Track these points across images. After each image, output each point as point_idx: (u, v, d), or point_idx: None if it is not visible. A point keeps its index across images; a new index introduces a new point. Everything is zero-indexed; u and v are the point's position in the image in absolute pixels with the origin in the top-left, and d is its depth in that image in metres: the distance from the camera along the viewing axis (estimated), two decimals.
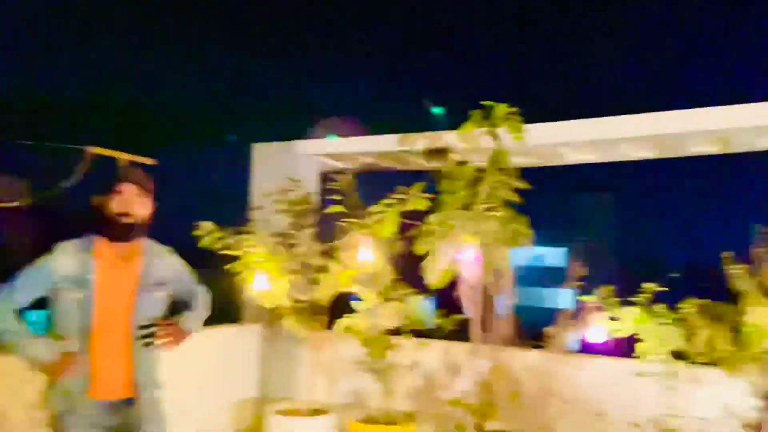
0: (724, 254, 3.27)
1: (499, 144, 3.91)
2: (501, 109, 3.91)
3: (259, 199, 4.86)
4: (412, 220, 4.13)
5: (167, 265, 2.46)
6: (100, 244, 2.30)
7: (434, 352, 4.59)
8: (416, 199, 4.08)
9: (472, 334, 4.01)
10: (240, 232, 4.31)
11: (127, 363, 2.29)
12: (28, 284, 2.24)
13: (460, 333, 4.46)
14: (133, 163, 2.41)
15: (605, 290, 3.72)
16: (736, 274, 3.23)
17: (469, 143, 4.12)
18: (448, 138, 4.47)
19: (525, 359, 4.25)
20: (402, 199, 4.09)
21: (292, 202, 4.58)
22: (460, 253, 3.82)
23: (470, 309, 3.99)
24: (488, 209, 3.81)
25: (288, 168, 5.02)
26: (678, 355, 3.42)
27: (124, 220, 2.24)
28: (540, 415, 4.13)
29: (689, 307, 3.45)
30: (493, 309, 4.01)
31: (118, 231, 2.26)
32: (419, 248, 3.95)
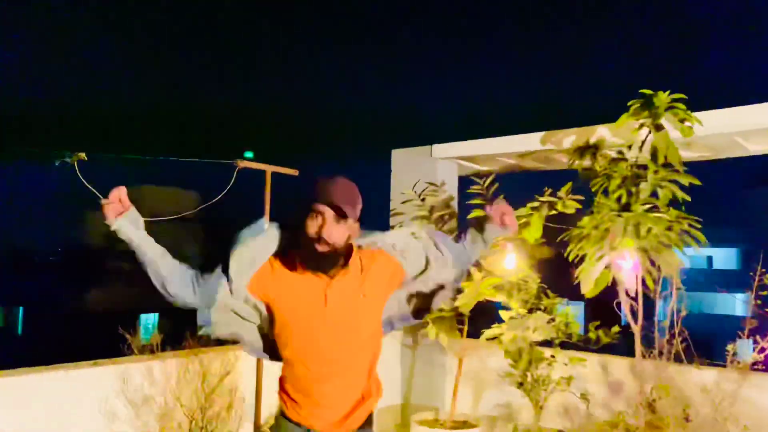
0: None
1: (663, 136, 3.48)
2: (663, 97, 3.49)
3: (399, 205, 4.82)
4: (560, 224, 3.82)
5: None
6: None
7: (589, 367, 4.20)
8: (565, 201, 3.76)
9: (636, 347, 3.61)
10: None
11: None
12: None
13: (616, 347, 4.07)
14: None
15: None
16: None
17: (624, 137, 3.74)
18: (600, 133, 4.10)
19: (697, 377, 3.73)
20: (549, 202, 3.80)
21: (431, 207, 4.47)
22: (618, 259, 3.45)
23: (631, 320, 3.60)
24: (650, 209, 3.41)
25: (427, 173, 4.93)
26: None
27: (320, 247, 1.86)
28: None
29: None
30: (656, 320, 3.57)
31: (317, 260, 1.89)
32: (571, 254, 3.64)
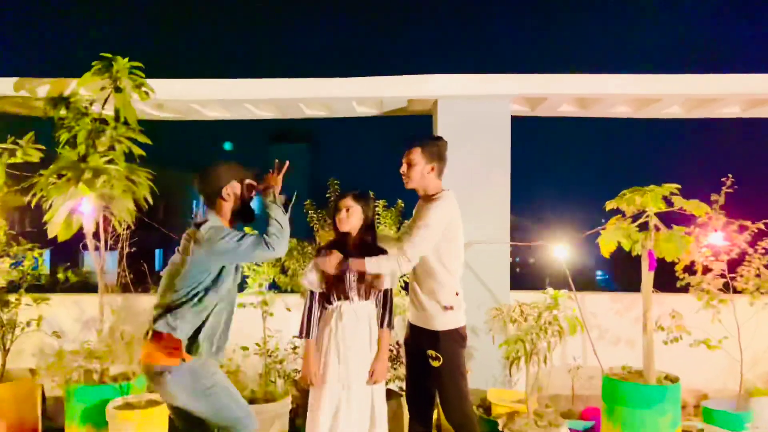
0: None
1: (122, 97, 3.97)
2: (122, 62, 3.96)
3: None
4: (26, 172, 3.93)
5: None
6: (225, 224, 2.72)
7: (59, 307, 4.51)
8: (26, 149, 3.88)
9: (99, 282, 4.08)
10: None
11: None
12: None
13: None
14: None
15: None
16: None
17: (92, 93, 4.08)
18: (74, 86, 4.31)
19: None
20: (9, 149, 3.85)
21: None
22: (79, 206, 3.81)
23: (95, 259, 4.04)
24: (108, 162, 3.87)
25: None
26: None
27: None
28: None
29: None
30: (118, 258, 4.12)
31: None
32: (33, 200, 3.82)
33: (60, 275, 4.14)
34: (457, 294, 2.97)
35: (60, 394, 4.13)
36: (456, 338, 2.98)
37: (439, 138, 3.07)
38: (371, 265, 2.84)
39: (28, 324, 4.09)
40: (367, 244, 2.95)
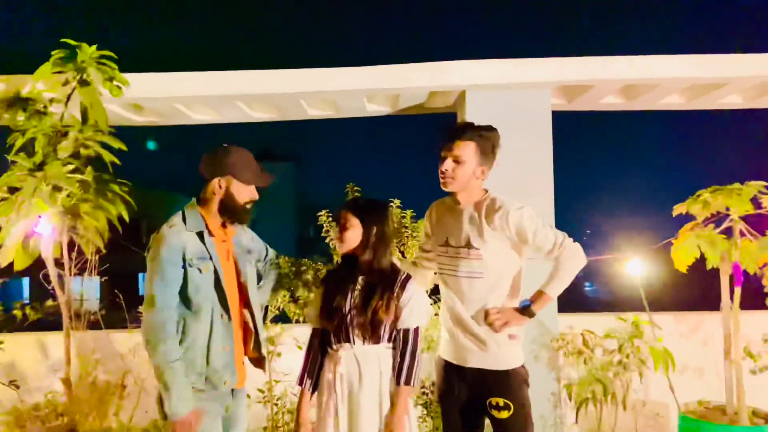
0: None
1: (89, 92, 3.26)
2: (88, 50, 3.26)
3: None
4: None
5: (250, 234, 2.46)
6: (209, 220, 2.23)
7: (27, 347, 3.76)
8: None
9: (63, 319, 3.34)
10: None
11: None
12: (170, 279, 2.09)
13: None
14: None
15: None
16: None
17: (52, 90, 3.37)
18: (32, 84, 3.60)
19: (131, 340, 3.73)
20: None
21: None
22: (35, 225, 3.09)
23: (58, 291, 3.31)
24: (72, 171, 3.15)
25: None
26: None
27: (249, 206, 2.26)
28: None
29: None
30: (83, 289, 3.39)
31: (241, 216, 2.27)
32: None
33: (16, 312, 3.40)
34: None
35: None
36: (525, 378, 2.31)
37: (493, 129, 2.35)
38: (556, 287, 2.31)
39: None
40: (377, 269, 2.24)
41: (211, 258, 2.17)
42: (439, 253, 2.41)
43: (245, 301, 2.32)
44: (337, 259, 3.06)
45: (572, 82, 3.89)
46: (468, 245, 2.28)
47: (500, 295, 2.30)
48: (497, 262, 2.27)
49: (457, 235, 2.32)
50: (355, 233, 2.23)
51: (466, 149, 2.27)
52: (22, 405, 3.43)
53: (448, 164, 2.29)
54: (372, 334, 2.18)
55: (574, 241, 2.29)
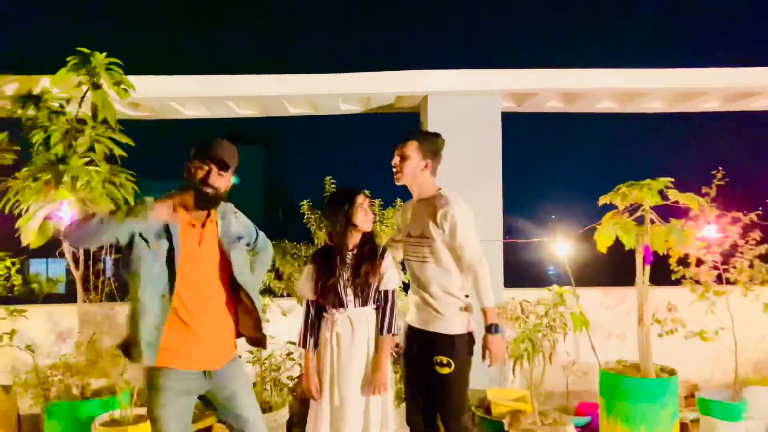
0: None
1: (100, 94, 3.74)
2: (100, 58, 3.73)
3: None
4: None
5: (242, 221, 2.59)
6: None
7: (36, 319, 4.23)
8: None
9: (78, 292, 3.83)
10: None
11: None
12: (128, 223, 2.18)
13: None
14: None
15: None
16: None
17: (66, 91, 3.83)
18: (44, 83, 4.05)
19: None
20: None
21: None
22: (56, 211, 3.57)
23: (72, 267, 3.80)
24: (88, 163, 3.64)
25: None
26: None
27: (209, 192, 2.35)
28: None
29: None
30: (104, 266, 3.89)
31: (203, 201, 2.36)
32: (7, 206, 3.56)
33: (34, 285, 3.87)
34: (467, 296, 2.87)
35: (38, 413, 3.86)
36: (469, 343, 2.86)
37: (437, 135, 2.93)
38: (490, 297, 2.76)
39: (1, 339, 3.81)
40: (370, 244, 2.80)
41: (169, 239, 2.28)
42: (405, 242, 2.96)
43: (233, 286, 2.45)
44: (318, 241, 3.65)
45: (520, 89, 4.52)
46: (421, 235, 2.82)
47: (447, 275, 2.81)
48: (443, 249, 2.79)
49: (414, 227, 2.89)
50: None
51: (410, 147, 2.85)
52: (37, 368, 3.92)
53: (396, 159, 2.88)
54: (363, 298, 2.71)
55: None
